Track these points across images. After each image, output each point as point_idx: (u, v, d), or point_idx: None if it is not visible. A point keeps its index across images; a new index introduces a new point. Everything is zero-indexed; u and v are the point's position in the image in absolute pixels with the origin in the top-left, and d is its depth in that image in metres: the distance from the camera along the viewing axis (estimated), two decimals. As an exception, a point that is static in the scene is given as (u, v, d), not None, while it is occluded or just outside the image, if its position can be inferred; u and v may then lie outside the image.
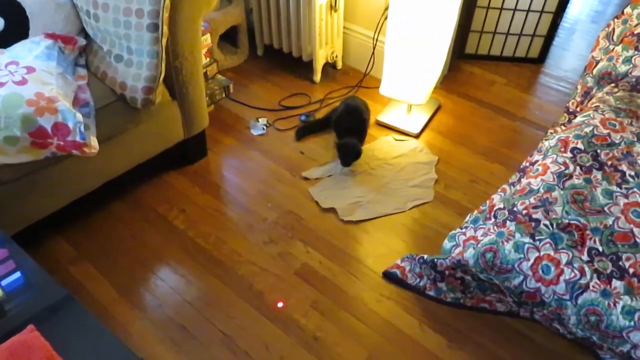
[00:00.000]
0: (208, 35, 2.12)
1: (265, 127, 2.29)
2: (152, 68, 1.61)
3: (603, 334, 1.25)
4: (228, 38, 2.62)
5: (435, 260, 1.52)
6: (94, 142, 1.54)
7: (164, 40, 1.61)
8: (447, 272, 1.53)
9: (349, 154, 2.02)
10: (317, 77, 2.55)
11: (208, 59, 2.17)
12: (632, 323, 1.21)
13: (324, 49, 2.47)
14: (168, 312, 1.60)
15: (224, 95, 2.28)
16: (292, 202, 1.95)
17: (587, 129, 1.61)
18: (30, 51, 1.58)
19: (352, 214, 1.90)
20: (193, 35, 1.77)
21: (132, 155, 1.82)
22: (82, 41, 1.72)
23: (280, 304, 1.61)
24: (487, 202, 1.63)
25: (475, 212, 1.63)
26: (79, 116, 1.47)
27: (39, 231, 1.73)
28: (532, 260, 1.32)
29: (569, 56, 2.80)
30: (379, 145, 2.20)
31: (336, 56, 2.57)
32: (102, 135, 1.61)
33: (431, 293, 1.62)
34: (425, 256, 1.59)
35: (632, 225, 1.36)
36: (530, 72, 2.67)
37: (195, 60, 1.82)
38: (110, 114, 1.66)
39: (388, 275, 1.68)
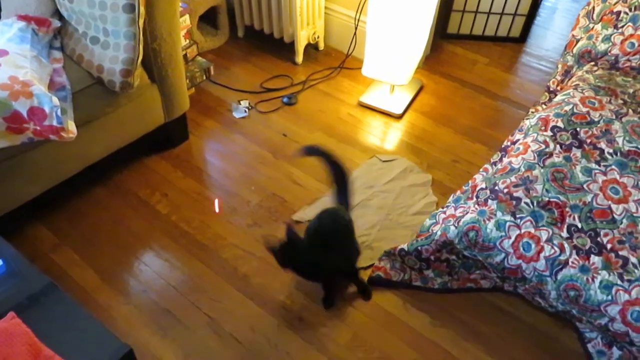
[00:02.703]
0: (187, 16, 2.08)
1: (247, 109, 2.27)
2: (130, 50, 1.58)
3: (582, 308, 1.28)
4: (208, 19, 2.57)
5: (420, 248, 1.52)
6: (71, 126, 1.52)
7: (141, 21, 1.57)
8: (432, 258, 1.53)
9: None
10: (299, 58, 2.52)
11: (187, 41, 2.13)
12: (610, 297, 1.24)
13: (306, 30, 2.45)
14: (153, 296, 1.59)
15: (204, 77, 2.24)
16: (276, 185, 1.94)
17: (567, 108, 1.62)
18: (3, 34, 1.53)
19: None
20: (171, 16, 1.74)
21: (112, 139, 1.79)
22: (56, 23, 1.67)
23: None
24: (470, 182, 1.64)
25: (458, 192, 1.65)
26: (55, 100, 1.44)
27: (18, 218, 1.71)
28: (513, 238, 1.34)
29: (550, 35, 2.82)
30: (365, 171, 1.98)
31: (318, 37, 2.55)
32: (80, 120, 1.58)
33: (418, 283, 1.61)
34: (406, 247, 1.56)
35: (610, 202, 1.39)
36: (512, 52, 2.68)
37: (174, 42, 1.79)
38: (88, 98, 1.63)
39: (372, 281, 1.63)
